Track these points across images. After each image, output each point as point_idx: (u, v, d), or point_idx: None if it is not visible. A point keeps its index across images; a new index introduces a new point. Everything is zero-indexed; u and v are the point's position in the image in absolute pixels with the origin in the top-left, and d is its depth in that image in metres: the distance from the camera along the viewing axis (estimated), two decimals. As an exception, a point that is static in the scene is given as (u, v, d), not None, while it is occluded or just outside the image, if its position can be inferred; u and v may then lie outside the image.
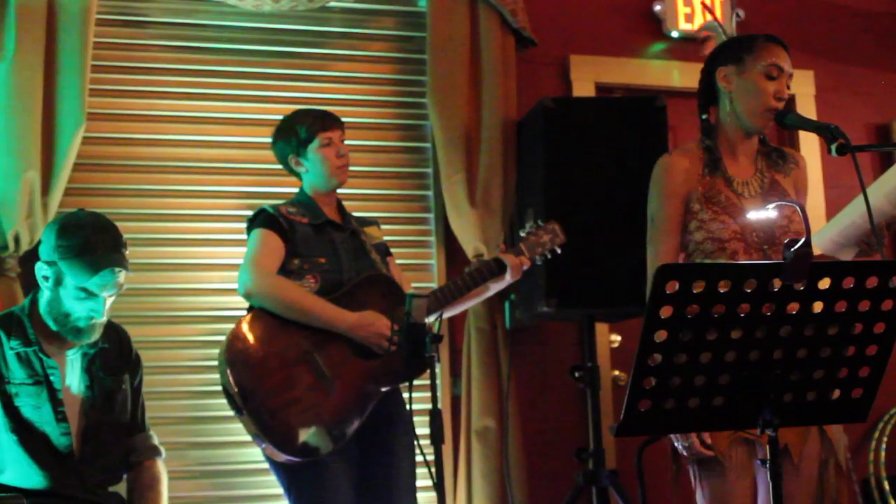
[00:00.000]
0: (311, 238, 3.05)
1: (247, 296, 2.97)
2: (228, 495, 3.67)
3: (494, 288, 3.25)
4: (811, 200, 4.32)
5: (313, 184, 3.18)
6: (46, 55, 3.48)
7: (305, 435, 2.83)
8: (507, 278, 3.18)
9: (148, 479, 2.77)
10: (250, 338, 2.90)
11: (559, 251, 3.26)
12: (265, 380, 2.85)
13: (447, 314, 3.28)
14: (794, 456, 2.51)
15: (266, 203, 3.08)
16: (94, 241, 2.62)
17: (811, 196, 4.32)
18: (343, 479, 2.91)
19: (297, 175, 3.22)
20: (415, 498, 3.06)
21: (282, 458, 2.85)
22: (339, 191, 3.23)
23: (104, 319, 2.68)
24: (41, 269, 2.64)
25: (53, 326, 2.64)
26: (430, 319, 2.89)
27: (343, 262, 3.06)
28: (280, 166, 3.89)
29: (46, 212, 3.43)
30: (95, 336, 2.68)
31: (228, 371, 2.83)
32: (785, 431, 2.44)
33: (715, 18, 3.95)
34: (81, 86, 3.51)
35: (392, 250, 3.35)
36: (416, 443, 2.71)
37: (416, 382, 2.66)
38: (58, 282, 2.61)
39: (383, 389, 3.00)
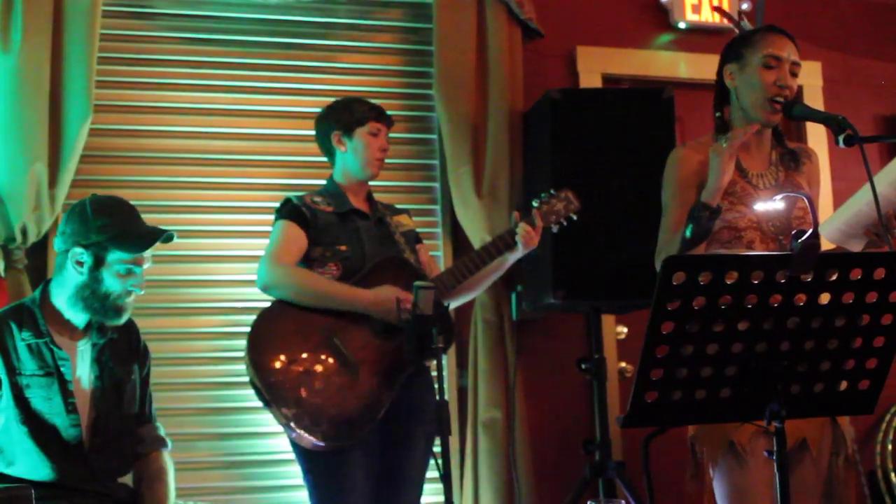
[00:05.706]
0: (334, 227, 3.07)
1: (264, 289, 3.00)
2: (246, 486, 3.68)
3: (511, 258, 3.18)
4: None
5: (347, 170, 3.19)
6: (53, 47, 3.49)
7: (334, 420, 2.83)
8: (521, 250, 3.12)
9: (155, 471, 2.78)
10: (271, 330, 2.92)
11: (575, 218, 3.21)
12: (289, 370, 2.86)
13: (469, 294, 3.28)
14: (812, 449, 2.50)
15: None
16: (132, 216, 2.70)
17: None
18: (360, 471, 2.91)
19: (331, 157, 3.22)
20: (420, 490, 3.06)
21: (310, 444, 2.84)
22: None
23: (143, 292, 2.70)
24: (75, 256, 2.63)
25: (87, 313, 2.64)
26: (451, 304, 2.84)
27: (366, 250, 3.06)
28: (285, 158, 3.88)
29: (54, 204, 3.44)
30: (129, 313, 2.71)
31: (252, 366, 2.86)
32: (803, 425, 2.44)
33: (727, 15, 3.93)
34: (88, 77, 3.51)
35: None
36: (434, 432, 2.74)
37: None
38: (98, 263, 2.62)
39: (408, 372, 2.98)
